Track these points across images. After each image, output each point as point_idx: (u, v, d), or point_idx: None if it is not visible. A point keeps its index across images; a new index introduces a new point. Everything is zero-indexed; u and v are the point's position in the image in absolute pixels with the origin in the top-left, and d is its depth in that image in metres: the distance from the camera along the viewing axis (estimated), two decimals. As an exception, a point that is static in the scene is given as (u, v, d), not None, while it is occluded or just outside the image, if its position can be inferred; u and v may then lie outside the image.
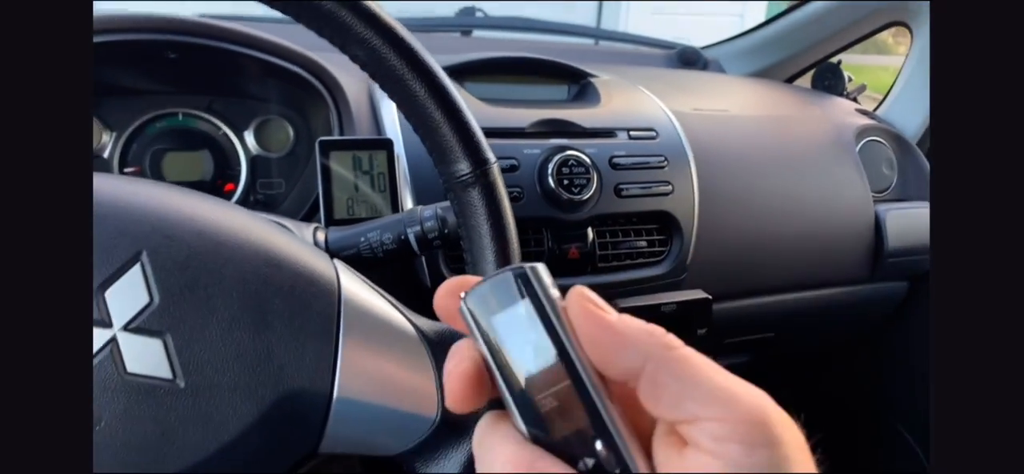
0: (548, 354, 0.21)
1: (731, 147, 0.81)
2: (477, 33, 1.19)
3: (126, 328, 0.31)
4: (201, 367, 0.32)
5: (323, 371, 0.34)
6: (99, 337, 0.31)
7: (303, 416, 0.34)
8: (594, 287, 0.23)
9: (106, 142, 0.64)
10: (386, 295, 0.39)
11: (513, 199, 0.55)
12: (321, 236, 0.49)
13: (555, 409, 0.21)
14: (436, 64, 0.38)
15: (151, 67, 0.64)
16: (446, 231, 0.47)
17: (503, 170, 0.40)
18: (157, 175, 0.65)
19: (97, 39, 0.56)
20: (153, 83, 0.65)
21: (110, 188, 0.34)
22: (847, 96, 1.12)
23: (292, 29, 0.46)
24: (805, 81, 1.19)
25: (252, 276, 0.34)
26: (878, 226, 0.88)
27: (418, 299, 0.41)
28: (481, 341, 0.22)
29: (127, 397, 0.31)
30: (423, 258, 0.60)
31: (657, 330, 0.21)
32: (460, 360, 0.23)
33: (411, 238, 0.48)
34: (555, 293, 0.22)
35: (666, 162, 0.71)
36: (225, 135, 0.68)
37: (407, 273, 0.61)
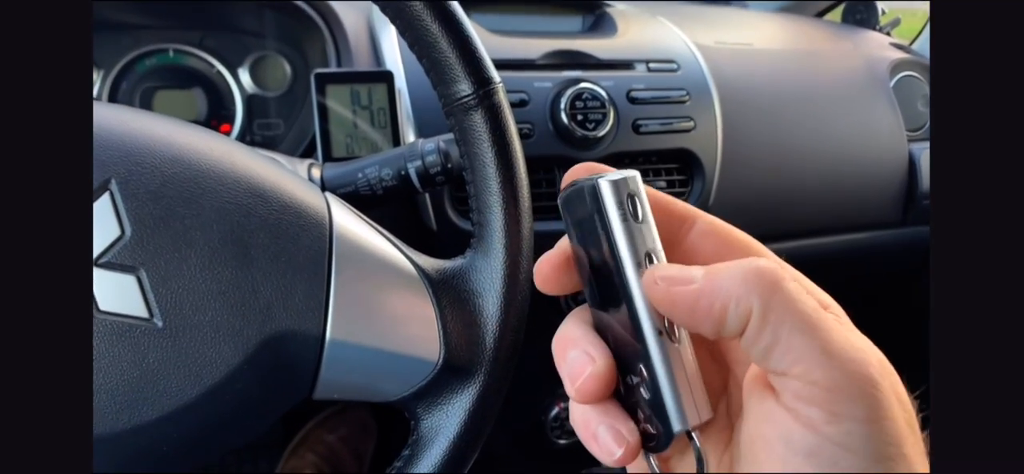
0: (613, 269, 0.21)
1: (757, 82, 0.76)
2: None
3: (97, 263, 0.29)
4: (179, 305, 0.29)
5: (314, 311, 0.31)
6: (67, 273, 0.28)
7: (293, 360, 0.32)
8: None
9: (94, 80, 0.61)
10: (383, 231, 0.36)
11: (523, 137, 0.51)
12: (316, 172, 0.46)
13: (617, 316, 0.21)
14: (433, -28, 0.33)
15: (137, -2, 0.60)
16: (449, 165, 0.44)
17: (512, 106, 0.36)
18: (149, 115, 0.62)
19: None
20: (142, 17, 0.62)
21: (75, 112, 0.31)
22: (880, 30, 1.05)
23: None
24: (835, 16, 1.12)
25: (234, 207, 0.31)
26: (912, 166, 0.83)
27: (422, 242, 0.38)
28: (573, 235, 0.22)
29: (101, 338, 0.28)
30: (427, 197, 0.57)
31: (761, 261, 0.19)
32: (556, 247, 0.24)
33: (412, 173, 0.44)
34: (644, 208, 0.21)
35: (688, 96, 0.66)
36: (219, 73, 0.64)
37: (411, 214, 0.58)
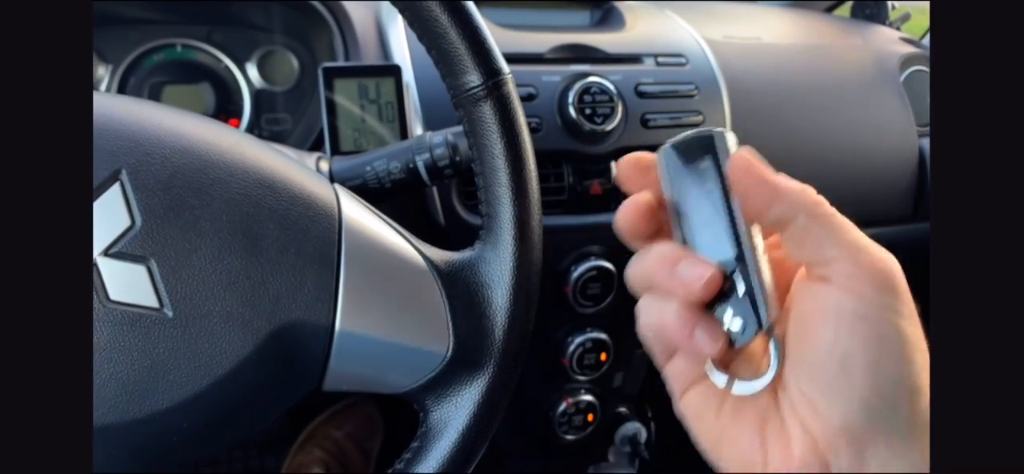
0: (717, 200, 0.26)
1: (766, 77, 0.75)
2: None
3: (106, 253, 0.29)
4: (190, 296, 0.29)
5: (324, 301, 0.31)
6: (77, 263, 0.28)
7: (303, 350, 0.32)
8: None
9: (102, 75, 0.61)
10: (392, 223, 0.35)
11: (531, 131, 0.51)
12: (324, 165, 0.46)
13: (711, 243, 0.25)
14: (442, -38, 0.33)
15: (145, -8, 0.60)
16: (458, 158, 0.44)
17: (520, 100, 0.35)
18: (158, 110, 0.63)
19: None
20: (149, 12, 0.62)
21: (85, 102, 0.31)
22: (890, 25, 1.04)
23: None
24: (843, 11, 1.11)
25: (243, 198, 0.31)
26: (922, 161, 0.82)
27: (430, 236, 0.37)
28: (667, 181, 0.27)
29: (110, 327, 0.28)
30: (435, 190, 0.57)
31: (809, 189, 0.25)
32: (638, 195, 0.27)
33: (420, 166, 0.44)
34: (733, 150, 0.26)
35: (697, 91, 0.66)
36: (226, 67, 0.64)
37: (418, 208, 0.58)
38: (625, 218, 0.27)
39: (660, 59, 0.66)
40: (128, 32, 0.61)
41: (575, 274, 0.61)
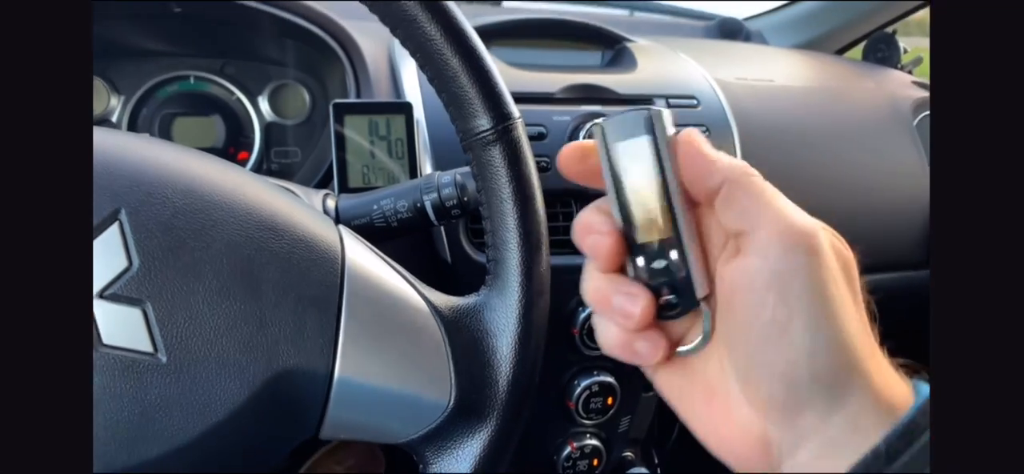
0: (652, 176, 0.26)
1: (778, 119, 0.74)
2: (507, 3, 1.14)
3: (102, 295, 0.28)
4: (185, 340, 0.29)
5: (323, 348, 0.31)
6: (73, 304, 0.27)
7: (300, 398, 0.31)
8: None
9: (114, 106, 0.61)
10: (396, 266, 0.35)
11: (540, 170, 0.50)
12: (331, 203, 0.45)
13: (646, 219, 0.26)
14: (456, 7, 0.33)
15: (159, 24, 0.61)
16: (466, 198, 0.43)
17: (530, 139, 0.35)
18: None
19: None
20: (163, 43, 0.62)
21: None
22: (902, 68, 1.04)
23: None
24: (855, 54, 1.11)
25: (244, 241, 0.30)
26: (937, 207, 0.81)
27: (436, 274, 0.37)
28: (605, 158, 0.27)
29: (102, 372, 0.28)
30: (442, 229, 0.56)
31: (741, 162, 0.25)
32: (573, 144, 0.29)
33: (428, 206, 0.43)
34: (670, 131, 0.26)
35: (708, 133, 0.65)
36: (238, 100, 0.64)
37: (425, 246, 0.57)
38: (563, 154, 0.29)
39: (671, 100, 0.66)
40: (142, 63, 0.62)
41: (583, 315, 0.60)
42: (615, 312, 0.26)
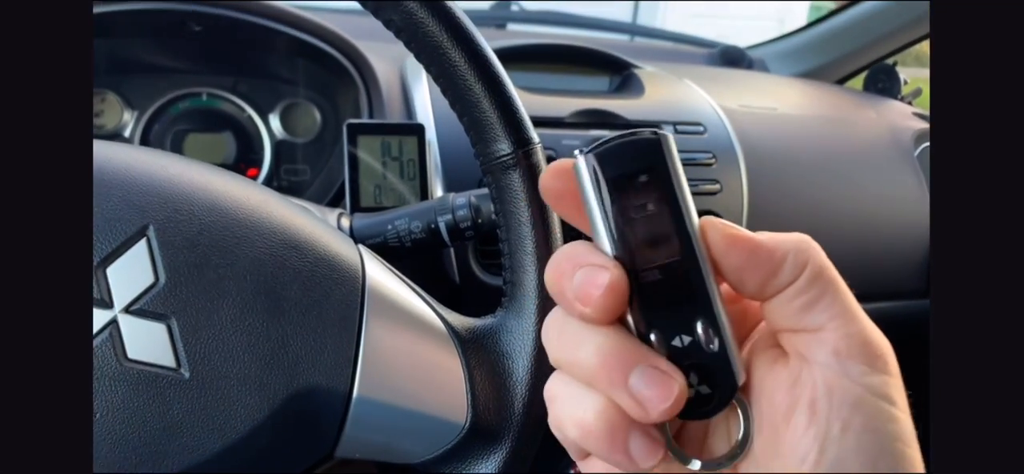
0: (669, 225, 0.20)
1: (781, 147, 0.75)
2: (512, 27, 1.16)
3: (128, 310, 0.28)
4: (208, 356, 0.29)
5: (342, 366, 0.31)
6: (98, 318, 0.28)
7: (318, 415, 0.31)
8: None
9: (127, 121, 0.62)
10: (415, 287, 0.35)
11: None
12: (346, 222, 0.46)
13: (658, 281, 0.20)
14: (478, 33, 0.34)
15: (175, 42, 0.61)
16: (479, 221, 0.44)
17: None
18: (180, 156, 0.63)
19: (117, 8, 0.54)
20: (177, 60, 0.63)
21: (117, 156, 0.31)
22: (902, 99, 1.05)
23: (322, 9, 0.43)
24: (855, 83, 1.13)
25: (268, 258, 0.30)
26: (938, 237, 0.81)
27: (444, 294, 0.37)
28: (593, 199, 0.20)
29: (126, 387, 0.28)
30: (452, 250, 0.56)
31: (803, 240, 0.20)
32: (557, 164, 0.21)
33: (441, 227, 0.44)
34: (680, 168, 0.20)
35: (714, 159, 0.66)
36: (250, 117, 0.65)
37: (434, 266, 0.57)
38: (548, 171, 0.21)
39: (678, 127, 0.67)
40: (155, 80, 0.62)
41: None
42: (628, 392, 0.19)
